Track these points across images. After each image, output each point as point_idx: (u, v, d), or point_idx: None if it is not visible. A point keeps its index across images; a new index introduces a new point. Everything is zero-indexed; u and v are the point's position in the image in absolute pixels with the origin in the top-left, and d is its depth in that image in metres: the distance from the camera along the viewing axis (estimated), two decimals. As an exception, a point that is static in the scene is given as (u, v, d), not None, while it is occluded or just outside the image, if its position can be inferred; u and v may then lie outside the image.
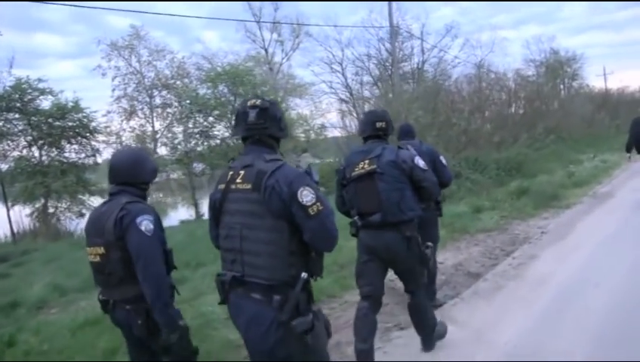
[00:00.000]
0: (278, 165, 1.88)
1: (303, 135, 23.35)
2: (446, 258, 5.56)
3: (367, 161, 2.92)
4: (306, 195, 1.81)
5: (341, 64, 26.19)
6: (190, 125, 18.66)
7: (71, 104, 18.24)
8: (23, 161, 17.69)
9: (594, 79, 37.90)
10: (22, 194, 17.46)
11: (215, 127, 19.42)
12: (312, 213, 1.80)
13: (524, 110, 14.92)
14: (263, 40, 27.47)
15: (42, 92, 17.76)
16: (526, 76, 21.42)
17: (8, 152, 17.69)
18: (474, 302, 4.12)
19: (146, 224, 2.12)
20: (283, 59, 28.52)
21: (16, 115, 17.42)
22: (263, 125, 1.96)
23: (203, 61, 20.23)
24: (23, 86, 17.05)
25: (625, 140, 7.91)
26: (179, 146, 18.56)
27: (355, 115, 22.05)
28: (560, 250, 5.43)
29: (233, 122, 2.14)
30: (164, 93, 21.47)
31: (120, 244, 2.13)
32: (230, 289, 1.94)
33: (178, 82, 21.25)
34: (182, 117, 18.91)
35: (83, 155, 19.16)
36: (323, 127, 24.69)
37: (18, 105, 17.14)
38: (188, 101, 18.61)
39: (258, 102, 1.99)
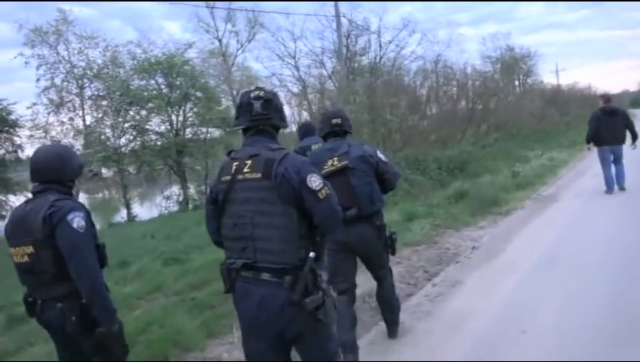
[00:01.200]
0: (284, 153, 1.98)
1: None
2: (358, 283, 4.62)
3: (335, 158, 3.00)
4: (314, 181, 1.94)
5: (294, 57, 25.14)
6: (120, 119, 17.09)
7: (-16, 96, 16.49)
8: None
9: (548, 76, 38.44)
10: None
11: (150, 120, 17.97)
12: (322, 197, 1.94)
13: (472, 105, 14.26)
14: (217, 30, 25.84)
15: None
16: (482, 72, 20.98)
17: None
18: (368, 353, 3.18)
19: (77, 221, 2.09)
20: (238, 50, 27.08)
21: None
22: (267, 116, 2.06)
23: (138, 49, 18.53)
24: None
25: (576, 136, 7.30)
26: (107, 143, 16.96)
27: (307, 109, 20.97)
28: (488, 275, 4.58)
29: (234, 113, 2.21)
30: (96, 83, 19.72)
31: (50, 242, 2.08)
32: (237, 277, 1.99)
33: (111, 72, 19.52)
34: (112, 110, 17.29)
35: (2, 151, 17.50)
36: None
37: None
38: (118, 93, 17.01)
39: (262, 93, 2.08)
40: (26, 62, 18.85)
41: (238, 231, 1.97)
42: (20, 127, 17.67)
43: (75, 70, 19.88)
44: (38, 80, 19.09)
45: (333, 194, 1.98)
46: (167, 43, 19.35)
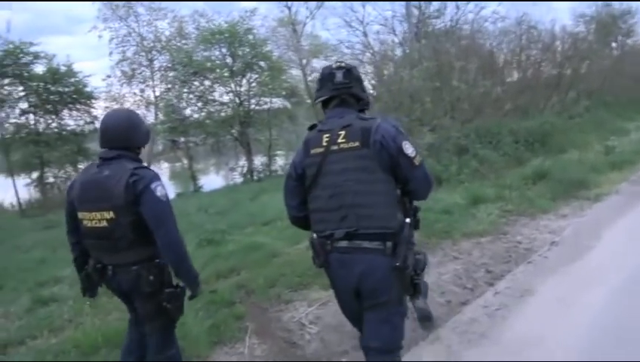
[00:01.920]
0: (377, 122, 1.99)
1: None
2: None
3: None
4: (409, 148, 1.97)
5: (362, 22, 23.73)
6: (185, 90, 17.13)
7: (63, 68, 17.25)
8: (21, 129, 17.03)
9: (652, 36, 33.53)
10: (17, 163, 16.87)
11: (214, 91, 17.88)
12: (417, 164, 1.98)
13: (559, 70, 12.47)
14: None
15: (36, 56, 16.79)
16: (573, 33, 18.45)
17: (5, 120, 16.99)
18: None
19: (160, 189, 2.13)
20: (307, 17, 26.18)
21: (12, 81, 16.60)
22: (349, 85, 2.10)
23: (202, 19, 18.33)
24: (16, 50, 16.11)
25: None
26: (173, 114, 17.13)
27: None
28: (568, 283, 3.64)
29: (316, 85, 2.21)
30: (165, 55, 19.94)
31: (131, 209, 2.10)
32: (333, 249, 2.00)
33: (178, 44, 19.62)
34: (178, 81, 17.35)
35: (81, 122, 18.36)
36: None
37: (13, 70, 16.25)
38: (182, 64, 17.00)
39: (343, 63, 2.15)
40: (99, 36, 19.38)
41: (336, 201, 1.98)
42: (96, 98, 18.39)
43: (145, 42, 20.19)
44: (110, 53, 19.61)
45: (424, 161, 2.05)
46: (231, 12, 18.97)
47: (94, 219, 2.16)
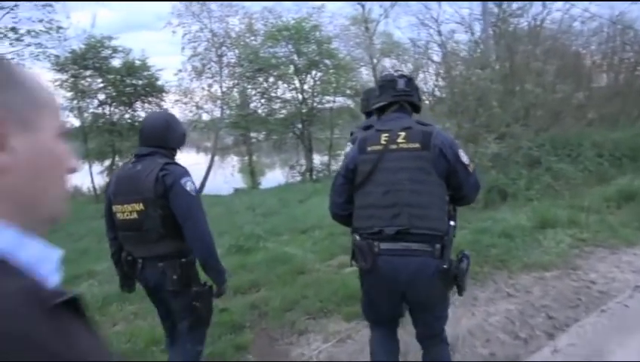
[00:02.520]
0: (435, 129, 2.09)
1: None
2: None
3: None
4: (464, 155, 2.07)
5: (437, 20, 22.46)
6: (249, 86, 17.16)
7: (138, 62, 17.98)
8: (98, 118, 18.03)
9: None
10: (94, 151, 17.84)
11: (277, 88, 17.78)
12: (471, 171, 2.09)
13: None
14: None
15: (114, 50, 17.66)
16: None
17: (85, 110, 18.06)
18: None
19: (189, 184, 2.18)
20: (380, 16, 25.43)
21: (92, 73, 17.61)
22: (409, 93, 2.20)
23: (270, 15, 18.27)
24: (97, 44, 17.04)
25: None
26: (236, 109, 17.24)
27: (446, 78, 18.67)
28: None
29: (377, 92, 2.29)
30: (234, 51, 20.17)
31: (160, 202, 2.14)
32: (381, 251, 2.00)
33: (247, 40, 19.73)
34: (244, 77, 17.42)
35: (153, 115, 19.05)
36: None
37: (93, 63, 17.22)
38: (248, 60, 17.03)
39: (405, 72, 2.31)
40: (173, 32, 19.96)
41: (390, 198, 2.01)
42: (166, 92, 19.02)
43: (215, 38, 20.53)
44: (183, 49, 20.13)
45: (476, 168, 2.15)
46: (300, 9, 18.74)
47: (126, 211, 2.21)
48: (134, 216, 2.19)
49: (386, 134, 2.07)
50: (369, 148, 2.09)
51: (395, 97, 2.17)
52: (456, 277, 2.02)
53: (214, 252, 2.23)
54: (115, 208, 2.26)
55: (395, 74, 2.23)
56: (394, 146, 2.04)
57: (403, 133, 2.04)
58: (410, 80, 2.21)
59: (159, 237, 2.16)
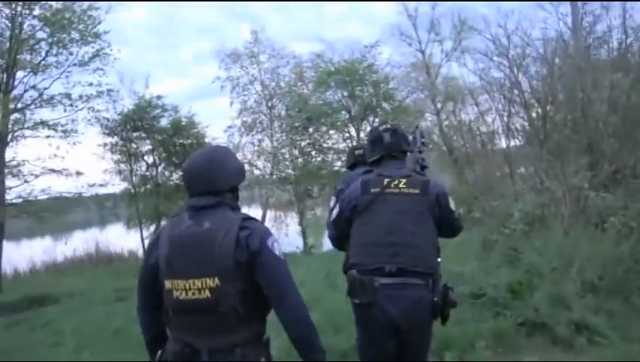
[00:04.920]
0: (432, 179, 2.42)
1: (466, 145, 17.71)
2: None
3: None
4: (452, 202, 2.37)
5: (507, 55, 19.83)
6: (298, 137, 15.50)
7: (184, 119, 17.19)
8: (147, 181, 17.29)
9: None
10: (142, 214, 16.92)
11: (330, 138, 15.97)
12: (456, 216, 2.39)
13: None
14: (420, 42, 22.61)
15: (164, 109, 17.04)
16: None
17: (135, 173, 17.38)
18: None
19: (277, 247, 1.74)
20: (442, 60, 23.47)
21: (142, 134, 17.04)
22: (396, 144, 2.47)
23: (319, 60, 16.81)
24: (144, 105, 16.51)
25: None
26: (285, 163, 15.58)
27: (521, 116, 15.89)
28: None
29: (370, 146, 2.55)
30: (284, 102, 18.91)
31: (240, 273, 1.66)
32: (380, 287, 2.18)
33: (298, 90, 18.36)
34: (291, 128, 15.83)
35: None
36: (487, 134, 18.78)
37: (142, 123, 16.66)
38: (297, 109, 15.48)
39: (389, 125, 2.56)
40: (222, 87, 19.09)
41: (391, 238, 2.23)
42: (214, 149, 17.96)
43: (266, 91, 19.46)
44: (231, 103, 19.21)
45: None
46: (353, 52, 17.01)
47: (191, 288, 1.66)
48: (206, 294, 1.64)
49: (388, 179, 2.33)
50: (372, 190, 2.33)
51: (385, 150, 2.44)
52: (442, 308, 2.25)
53: (315, 329, 1.74)
54: (172, 283, 1.68)
55: (381, 128, 2.53)
56: (395, 190, 2.30)
57: (404, 180, 2.32)
58: (394, 131, 2.49)
59: (237, 321, 1.66)
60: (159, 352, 1.81)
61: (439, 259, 2.27)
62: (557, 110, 4.94)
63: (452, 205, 2.32)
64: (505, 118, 12.61)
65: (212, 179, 1.77)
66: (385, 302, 2.16)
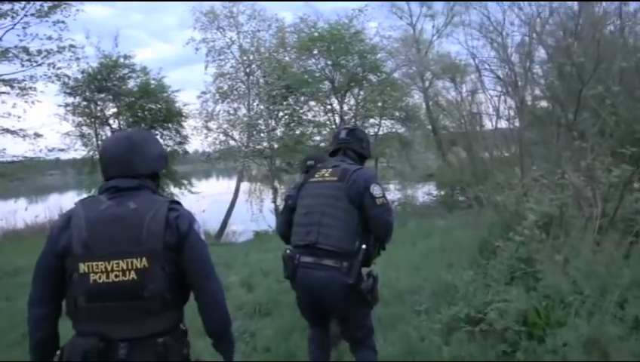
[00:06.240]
0: (358, 167, 2.59)
1: (453, 125, 16.82)
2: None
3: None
4: (377, 190, 2.46)
5: (501, 33, 18.65)
6: (275, 107, 14.25)
7: (153, 82, 15.69)
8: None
9: None
10: (95, 184, 15.44)
11: (310, 110, 14.78)
12: (378, 204, 2.43)
13: None
14: (411, 15, 21.25)
15: (132, 70, 15.48)
16: None
17: (99, 139, 15.83)
18: None
19: (202, 231, 1.74)
20: (433, 36, 22.20)
21: (106, 96, 15.47)
22: (348, 141, 2.72)
23: (302, 25, 15.39)
24: (110, 63, 14.88)
25: None
26: (260, 135, 14.36)
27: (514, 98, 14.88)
28: None
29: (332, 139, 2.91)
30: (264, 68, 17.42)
31: (167, 256, 1.60)
32: (300, 263, 2.45)
33: (279, 56, 16.91)
34: (269, 97, 14.53)
35: (172, 142, 16.70)
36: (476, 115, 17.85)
37: (108, 84, 15.06)
38: (275, 76, 14.17)
39: (350, 125, 3.05)
40: (196, 49, 17.52)
41: (308, 218, 2.49)
42: (185, 117, 16.54)
43: (244, 56, 17.94)
44: (206, 67, 17.68)
45: (389, 206, 2.54)
46: (340, 17, 15.57)
47: (114, 270, 1.56)
48: (131, 276, 1.55)
49: (323, 170, 2.61)
50: (310, 180, 2.63)
51: (338, 145, 2.74)
52: (361, 293, 2.38)
53: (230, 318, 1.76)
54: (87, 267, 1.56)
55: (343, 126, 3.02)
56: (320, 178, 2.57)
57: (330, 170, 2.58)
58: (351, 131, 2.79)
59: (162, 307, 1.58)
60: (57, 352, 1.63)
61: (364, 246, 2.38)
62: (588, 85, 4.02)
63: (375, 191, 2.43)
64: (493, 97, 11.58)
65: (132, 163, 1.72)
66: (302, 279, 2.46)
